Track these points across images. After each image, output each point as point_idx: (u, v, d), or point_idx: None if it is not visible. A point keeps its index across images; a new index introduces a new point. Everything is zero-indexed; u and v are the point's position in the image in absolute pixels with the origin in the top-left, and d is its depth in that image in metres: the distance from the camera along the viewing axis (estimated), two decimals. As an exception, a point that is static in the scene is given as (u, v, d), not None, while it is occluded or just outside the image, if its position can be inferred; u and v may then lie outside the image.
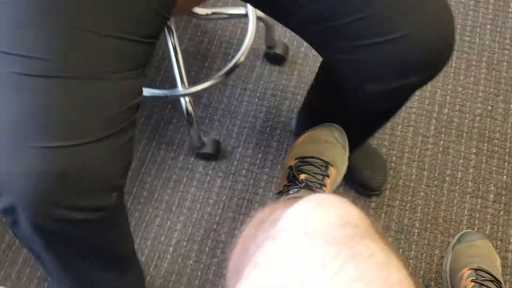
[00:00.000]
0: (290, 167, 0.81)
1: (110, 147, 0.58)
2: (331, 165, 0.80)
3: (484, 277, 0.82)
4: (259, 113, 1.15)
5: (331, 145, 0.83)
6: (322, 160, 0.80)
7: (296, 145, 0.86)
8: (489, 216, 1.04)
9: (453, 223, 1.03)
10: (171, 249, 1.01)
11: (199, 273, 0.99)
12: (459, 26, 1.25)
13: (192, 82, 1.08)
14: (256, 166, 1.09)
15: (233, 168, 1.09)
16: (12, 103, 0.55)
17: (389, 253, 0.37)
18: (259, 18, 1.11)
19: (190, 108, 1.02)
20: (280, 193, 0.80)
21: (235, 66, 1.06)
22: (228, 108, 1.15)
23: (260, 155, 1.11)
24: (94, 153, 0.57)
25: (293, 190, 0.76)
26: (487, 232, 1.02)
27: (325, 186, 0.78)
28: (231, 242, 1.02)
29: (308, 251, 0.36)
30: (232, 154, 1.10)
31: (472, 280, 0.81)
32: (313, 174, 0.78)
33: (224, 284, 0.97)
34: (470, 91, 1.17)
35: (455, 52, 1.22)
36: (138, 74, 0.63)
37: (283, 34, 1.23)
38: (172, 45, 1.02)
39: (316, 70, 0.92)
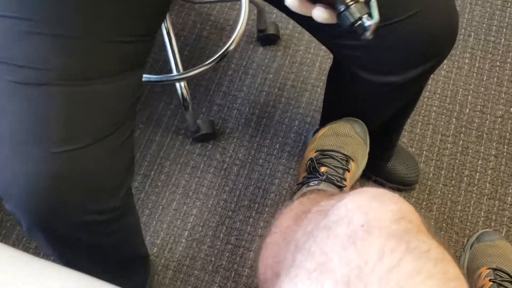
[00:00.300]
0: (311, 159, 0.81)
1: (112, 146, 0.57)
2: (352, 160, 0.80)
3: (502, 277, 0.82)
4: (278, 103, 1.15)
5: (352, 139, 0.83)
6: (343, 154, 0.80)
7: (316, 138, 0.86)
8: (506, 219, 1.04)
9: (468, 223, 1.03)
10: (186, 233, 1.02)
11: (213, 259, 1.00)
12: (484, 26, 1.23)
13: (187, 67, 1.06)
14: (273, 156, 1.10)
15: (250, 157, 1.09)
16: (11, 111, 0.55)
17: (444, 250, 0.37)
18: (251, 1, 1.09)
19: (185, 93, 1.02)
20: (300, 184, 0.80)
21: (226, 52, 1.04)
22: (248, 97, 1.15)
23: (277, 146, 1.11)
24: (96, 154, 0.56)
25: (314, 182, 0.76)
26: (503, 234, 1.02)
27: (345, 180, 0.78)
28: (247, 230, 1.02)
29: (365, 243, 0.36)
30: (249, 143, 1.11)
31: (490, 280, 0.81)
32: (334, 168, 0.78)
33: (254, 273, 0.97)
34: (493, 92, 1.16)
35: (479, 52, 1.20)
36: (137, 71, 0.62)
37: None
38: (166, 29, 1.01)
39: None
